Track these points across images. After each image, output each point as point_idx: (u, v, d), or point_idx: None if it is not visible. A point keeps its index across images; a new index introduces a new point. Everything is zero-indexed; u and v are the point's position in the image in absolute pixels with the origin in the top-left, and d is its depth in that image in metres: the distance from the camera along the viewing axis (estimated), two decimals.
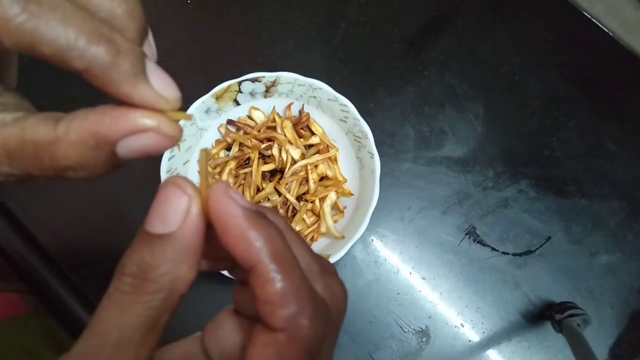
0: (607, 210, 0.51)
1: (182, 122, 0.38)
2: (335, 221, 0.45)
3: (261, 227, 0.16)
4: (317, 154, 0.47)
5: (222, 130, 0.48)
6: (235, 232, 0.16)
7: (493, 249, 0.49)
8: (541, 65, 0.57)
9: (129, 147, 0.14)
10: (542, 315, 0.47)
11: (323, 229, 0.44)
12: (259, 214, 0.16)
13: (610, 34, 0.59)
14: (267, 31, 0.58)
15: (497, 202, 0.51)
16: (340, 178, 0.47)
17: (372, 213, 0.41)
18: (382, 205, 0.50)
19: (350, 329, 0.46)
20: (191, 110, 0.44)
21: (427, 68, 0.56)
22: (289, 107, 0.48)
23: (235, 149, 0.48)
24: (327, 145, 0.48)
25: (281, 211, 0.45)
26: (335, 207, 0.46)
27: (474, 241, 0.50)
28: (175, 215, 0.15)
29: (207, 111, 0.46)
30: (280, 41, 0.57)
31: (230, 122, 0.48)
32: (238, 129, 0.48)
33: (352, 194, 0.46)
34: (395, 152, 0.52)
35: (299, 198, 0.46)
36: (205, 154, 0.17)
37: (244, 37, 0.57)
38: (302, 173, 0.46)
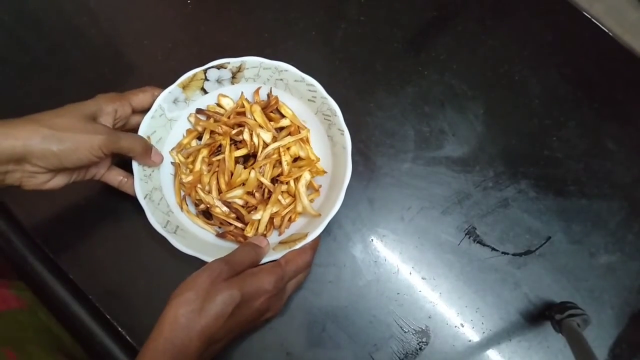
0: (607, 210, 0.51)
1: (151, 115, 0.45)
2: (311, 200, 0.46)
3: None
4: (289, 136, 0.47)
5: (192, 119, 0.48)
6: None
7: (493, 249, 0.49)
8: (541, 65, 0.57)
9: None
10: (542, 316, 0.47)
11: (299, 209, 0.45)
12: None
13: (610, 34, 0.59)
14: (267, 31, 0.58)
15: (497, 202, 0.51)
16: (313, 157, 0.47)
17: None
18: (382, 205, 0.50)
19: (350, 329, 0.46)
20: (158, 101, 0.45)
21: (427, 68, 0.56)
22: (256, 91, 0.48)
23: (206, 137, 0.48)
24: (298, 126, 0.48)
25: (257, 195, 0.46)
26: (310, 186, 0.47)
27: (474, 241, 0.49)
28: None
29: (175, 101, 0.46)
30: (280, 41, 0.57)
31: (199, 110, 0.48)
32: (208, 117, 0.48)
33: (325, 172, 0.47)
34: (395, 152, 0.52)
35: (273, 180, 0.46)
36: None
37: (244, 37, 0.57)
38: (275, 155, 0.46)
